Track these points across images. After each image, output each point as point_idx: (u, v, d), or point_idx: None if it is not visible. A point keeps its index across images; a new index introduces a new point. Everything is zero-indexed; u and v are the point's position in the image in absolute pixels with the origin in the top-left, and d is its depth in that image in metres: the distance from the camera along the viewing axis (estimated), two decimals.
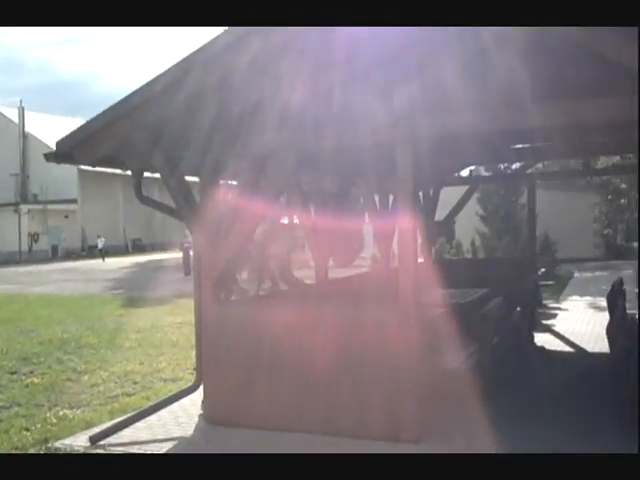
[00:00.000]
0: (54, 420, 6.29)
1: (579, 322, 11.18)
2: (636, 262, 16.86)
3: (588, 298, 14.44)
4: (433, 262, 10.84)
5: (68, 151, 5.80)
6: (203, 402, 6.17)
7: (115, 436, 5.66)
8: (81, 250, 44.48)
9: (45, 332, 12.15)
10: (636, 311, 7.39)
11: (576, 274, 19.78)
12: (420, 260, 9.71)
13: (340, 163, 7.61)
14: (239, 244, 6.10)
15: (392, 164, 5.39)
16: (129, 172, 6.56)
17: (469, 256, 19.86)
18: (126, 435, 5.72)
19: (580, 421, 5.50)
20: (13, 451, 5.46)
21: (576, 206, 24.65)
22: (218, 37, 5.14)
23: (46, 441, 5.65)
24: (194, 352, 6.57)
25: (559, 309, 12.92)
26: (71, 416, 6.45)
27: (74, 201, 46.21)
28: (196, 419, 6.12)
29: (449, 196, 11.11)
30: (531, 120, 4.90)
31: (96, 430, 5.83)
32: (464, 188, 10.98)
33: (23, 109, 46.23)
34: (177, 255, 30.77)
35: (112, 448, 5.42)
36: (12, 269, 33.24)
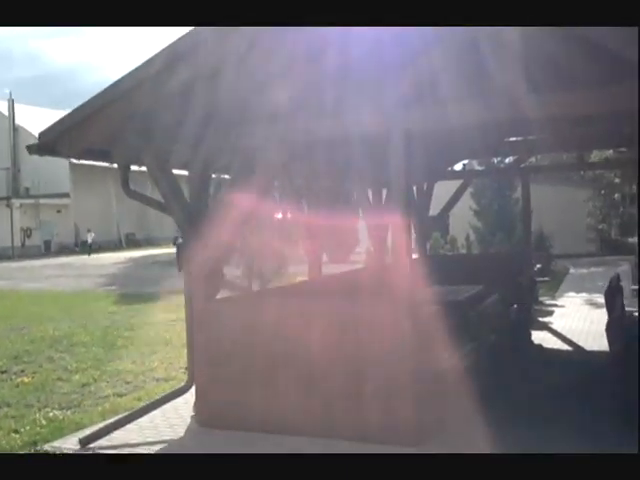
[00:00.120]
0: (44, 422, 6.19)
1: (576, 319, 11.12)
2: (631, 257, 16.83)
3: (584, 295, 14.40)
4: (427, 258, 10.78)
5: (51, 143, 5.61)
6: (195, 403, 6.07)
7: (106, 438, 5.56)
8: (74, 245, 44.22)
9: (37, 329, 12.03)
10: (634, 308, 7.33)
11: (571, 270, 19.74)
12: (414, 256, 9.66)
13: (332, 157, 7.51)
14: (230, 240, 5.99)
15: (385, 158, 5.30)
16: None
17: (464, 251, 19.80)
18: (117, 437, 5.61)
19: (580, 421, 5.44)
20: None
21: (569, 201, 24.61)
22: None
23: (35, 444, 5.55)
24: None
25: (555, 306, 12.87)
26: (61, 417, 6.35)
27: (66, 195, 45.91)
28: (188, 421, 6.02)
29: (442, 191, 11.02)
30: (524, 111, 4.83)
31: (87, 432, 5.73)
32: (458, 183, 10.89)
33: (13, 101, 45.77)
34: (171, 250, 30.60)
35: (102, 451, 5.32)
36: (4, 264, 33.02)
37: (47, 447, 5.46)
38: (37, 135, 5.69)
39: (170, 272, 23.52)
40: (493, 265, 9.61)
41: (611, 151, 17.75)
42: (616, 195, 26.80)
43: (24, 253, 41.86)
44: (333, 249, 23.99)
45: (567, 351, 8.49)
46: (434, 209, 10.68)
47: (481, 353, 5.97)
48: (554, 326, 10.04)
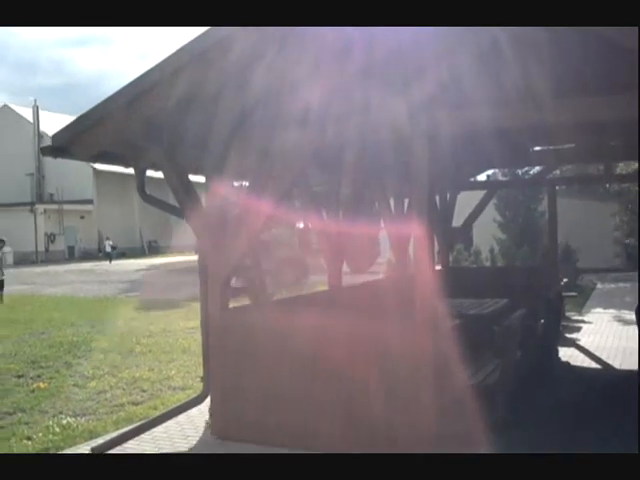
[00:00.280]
0: (57, 429, 6.10)
1: (605, 336, 10.79)
2: None
3: (612, 311, 14.03)
4: (450, 269, 10.57)
5: (65, 145, 5.53)
6: (210, 414, 5.93)
7: (118, 448, 5.45)
8: (97, 251, 44.57)
9: (56, 334, 12.03)
10: None
11: (599, 285, 19.34)
12: (437, 267, 9.46)
13: (353, 164, 7.37)
14: (246, 247, 5.86)
15: (407, 166, 5.14)
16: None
17: (488, 264, 19.49)
18: (130, 447, 5.50)
19: (609, 444, 5.19)
20: None
21: (595, 214, 24.17)
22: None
23: (47, 451, 5.45)
24: None
25: (583, 322, 12.52)
26: (75, 425, 6.26)
27: (90, 202, 46.38)
28: (205, 433, 5.88)
29: (466, 202, 10.82)
30: (549, 116, 4.65)
31: (99, 441, 5.64)
32: (481, 194, 10.67)
33: (37, 108, 46.40)
34: (193, 258, 30.65)
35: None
36: (28, 269, 33.34)
37: None
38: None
39: (191, 279, 23.48)
40: (519, 278, 9.36)
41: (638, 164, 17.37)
42: None
43: (48, 258, 42.32)
44: (354, 259, 23.83)
45: (596, 369, 8.19)
46: (457, 220, 10.49)
47: (506, 370, 5.74)
48: (582, 343, 9.74)
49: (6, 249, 25.89)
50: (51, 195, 47.76)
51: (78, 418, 6.50)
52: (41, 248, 43.77)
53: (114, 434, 5.80)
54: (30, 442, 5.74)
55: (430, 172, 5.08)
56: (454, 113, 5.02)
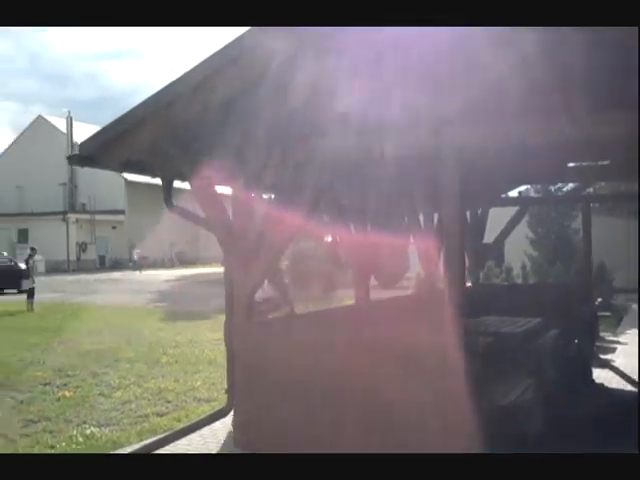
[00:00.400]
0: (80, 439, 6.08)
1: None
2: None
3: None
4: (481, 286, 10.38)
5: (92, 154, 5.51)
6: (233, 428, 5.84)
7: None
8: (128, 261, 45.03)
9: (84, 343, 12.09)
10: None
11: (634, 305, 18.85)
12: (468, 284, 9.28)
13: (382, 177, 7.27)
14: (273, 261, 5.79)
15: (437, 179, 5.02)
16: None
17: (519, 281, 19.17)
18: None
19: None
20: None
21: (631, 233, 23.68)
22: (250, 31, 4.72)
23: None
24: None
25: (618, 343, 12.16)
26: (98, 435, 6.22)
27: (121, 212, 46.95)
28: (227, 446, 5.79)
29: (497, 218, 10.63)
30: (585, 131, 4.49)
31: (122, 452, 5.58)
32: (512, 210, 10.48)
33: (71, 119, 47.20)
34: (221, 269, 30.76)
35: None
36: (60, 277, 33.78)
37: None
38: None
39: (219, 291, 23.54)
40: (552, 297, 9.13)
41: None
42: None
43: (79, 267, 42.89)
44: (382, 273, 23.64)
45: (631, 392, 7.91)
46: (488, 236, 10.31)
47: (539, 390, 5.56)
48: (616, 364, 9.44)
49: (38, 257, 26.30)
50: (83, 205, 48.48)
51: (102, 428, 6.47)
52: (73, 257, 44.39)
53: (137, 446, 5.75)
54: (53, 451, 5.71)
55: (460, 187, 4.96)
56: (485, 127, 4.89)
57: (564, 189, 18.55)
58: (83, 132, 48.88)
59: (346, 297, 11.14)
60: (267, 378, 5.52)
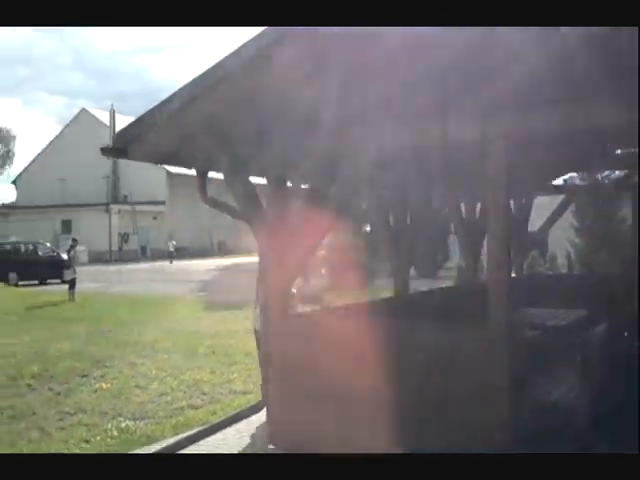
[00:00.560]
0: (115, 432, 6.02)
1: None
2: None
3: None
4: (525, 277, 10.06)
5: (125, 146, 5.43)
6: (268, 424, 5.70)
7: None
8: (174, 252, 45.51)
9: (122, 333, 12.14)
10: None
11: None
12: (512, 275, 8.97)
13: (423, 167, 7.02)
14: (308, 253, 5.61)
15: (481, 167, 4.78)
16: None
17: (564, 271, 18.64)
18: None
19: None
20: None
21: None
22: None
23: None
24: None
25: None
26: (133, 429, 6.16)
27: (162, 203, 47.46)
28: (263, 441, 5.66)
29: (541, 206, 10.28)
30: (632, 116, 4.19)
31: (156, 447, 5.50)
32: (556, 198, 10.12)
33: (114, 112, 47.77)
34: None
35: None
36: (102, 267, 34.32)
37: None
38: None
39: None
40: (599, 288, 8.76)
41: None
42: None
43: (121, 257, 43.54)
44: (422, 264, 23.35)
45: None
46: (531, 225, 9.98)
47: (587, 387, 5.28)
48: None
49: (80, 248, 26.71)
50: (125, 196, 49.14)
51: (137, 422, 6.41)
52: (115, 247, 45.07)
53: (171, 440, 5.66)
54: (87, 445, 5.67)
55: (506, 174, 4.71)
56: (531, 113, 4.63)
57: (611, 177, 17.91)
58: (125, 125, 49.57)
59: (385, 288, 10.92)
60: (302, 373, 5.37)
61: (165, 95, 5.21)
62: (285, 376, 5.45)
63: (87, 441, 5.78)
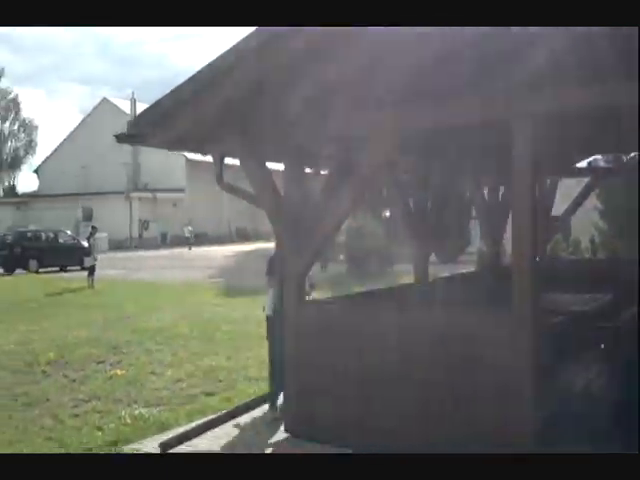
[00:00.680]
0: (128, 420, 5.92)
1: None
2: None
3: None
4: (548, 261, 9.80)
5: (140, 131, 5.29)
6: (284, 411, 5.57)
7: (187, 444, 5.17)
8: (191, 238, 45.61)
9: (140, 319, 12.11)
10: None
11: None
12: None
13: (444, 149, 6.80)
14: (325, 239, 5.44)
15: (505, 151, 4.57)
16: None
17: (587, 255, 18.28)
18: (200, 443, 5.21)
19: None
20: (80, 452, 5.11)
21: None
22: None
23: (115, 444, 5.26)
24: None
25: None
26: (147, 416, 6.06)
27: (182, 190, 47.50)
28: (278, 430, 5.53)
29: (564, 188, 10.00)
30: None
31: (170, 435, 5.38)
32: (579, 180, 9.83)
33: (135, 100, 47.72)
34: None
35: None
36: (122, 254, 34.47)
37: (126, 449, 5.15)
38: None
39: None
40: (625, 272, 8.48)
41: None
42: None
43: (141, 244, 43.71)
44: (442, 248, 23.06)
45: None
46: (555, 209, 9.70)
47: (614, 375, 5.07)
48: None
49: (101, 235, 26.84)
50: (145, 184, 49.26)
51: (151, 409, 6.31)
52: (135, 234, 45.27)
53: (186, 428, 5.55)
54: (100, 433, 5.57)
55: (533, 156, 4.49)
56: (559, 91, 4.40)
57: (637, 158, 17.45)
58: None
59: (404, 272, 10.74)
60: (318, 361, 5.22)
61: None
62: (302, 364, 5.30)
63: (100, 428, 5.69)
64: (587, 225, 19.40)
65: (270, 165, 5.82)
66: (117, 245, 40.79)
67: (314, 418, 5.21)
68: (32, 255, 26.26)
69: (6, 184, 64.93)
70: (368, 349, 4.99)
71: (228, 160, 6.08)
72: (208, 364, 8.25)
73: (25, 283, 20.95)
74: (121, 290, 17.75)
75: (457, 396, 4.61)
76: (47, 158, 56.31)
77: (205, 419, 5.74)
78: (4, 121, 64.05)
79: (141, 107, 43.08)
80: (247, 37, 4.63)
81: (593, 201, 19.28)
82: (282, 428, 5.46)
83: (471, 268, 15.58)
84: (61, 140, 56.02)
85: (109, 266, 24.25)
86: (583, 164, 14.20)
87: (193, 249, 38.92)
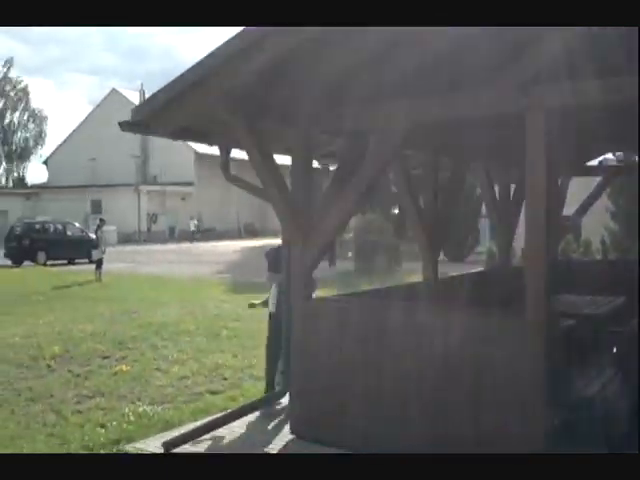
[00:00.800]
0: (132, 417, 5.84)
1: None
2: None
3: None
4: (559, 262, 9.67)
5: (144, 120, 5.19)
6: (290, 412, 5.49)
7: (191, 443, 5.10)
8: (197, 232, 45.66)
9: (147, 314, 12.05)
10: None
11: None
12: None
13: (455, 144, 6.68)
14: (333, 234, 5.34)
15: (516, 146, 4.46)
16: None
17: (598, 256, 18.08)
18: (203, 444, 5.14)
19: None
20: (81, 451, 5.04)
21: None
22: None
23: (117, 442, 5.19)
24: None
25: None
26: (151, 414, 5.98)
27: (191, 184, 47.51)
28: (283, 430, 5.45)
29: (575, 187, 9.86)
30: None
31: (173, 434, 5.31)
32: (591, 180, 9.68)
33: (144, 92, 47.70)
34: None
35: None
36: (130, 248, 34.51)
37: (129, 447, 5.08)
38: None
39: None
40: (636, 274, 8.35)
41: None
42: None
43: (150, 238, 43.77)
44: (451, 247, 22.94)
45: None
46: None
47: (628, 381, 4.96)
48: None
49: (110, 228, 26.83)
50: (154, 177, 49.30)
51: (155, 406, 6.23)
52: (143, 228, 45.32)
53: (190, 426, 5.47)
54: (103, 430, 5.50)
55: (546, 152, 4.38)
56: (573, 84, 4.28)
57: None
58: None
59: (413, 271, 10.63)
60: (325, 360, 5.13)
61: None
62: (308, 364, 5.21)
63: (103, 426, 5.62)
64: (597, 226, 19.21)
65: (277, 159, 5.73)
66: (125, 238, 40.86)
67: (319, 419, 5.13)
68: (40, 247, 26.31)
69: (15, 175, 65.17)
70: (376, 348, 4.90)
71: (237, 154, 5.99)
72: (214, 362, 8.17)
73: (33, 275, 20.97)
74: (128, 284, 17.72)
75: (468, 398, 4.52)
76: (56, 149, 56.49)
77: (209, 418, 5.67)
78: (14, 111, 64.22)
79: None
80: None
81: (604, 201, 19.10)
82: (287, 429, 5.39)
83: (480, 268, 15.46)
84: (70, 131, 56.16)
85: (117, 259, 24.27)
86: (594, 163, 14.03)
87: (198, 244, 38.93)
